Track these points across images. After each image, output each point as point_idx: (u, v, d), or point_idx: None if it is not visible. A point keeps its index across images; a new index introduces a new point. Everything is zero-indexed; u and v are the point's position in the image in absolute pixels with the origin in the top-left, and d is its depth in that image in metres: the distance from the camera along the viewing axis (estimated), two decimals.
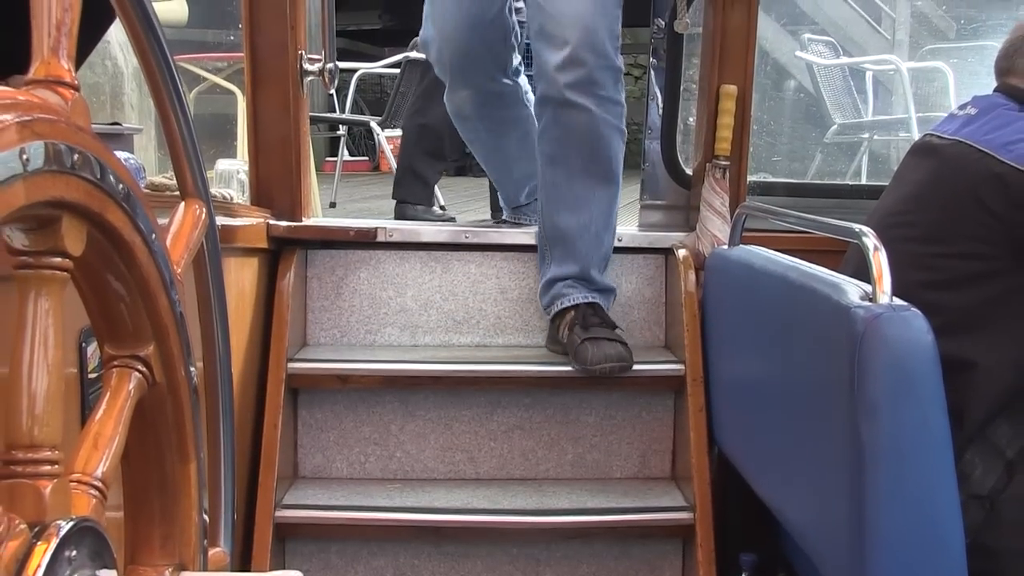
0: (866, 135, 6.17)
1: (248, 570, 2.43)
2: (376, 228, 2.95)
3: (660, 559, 2.68)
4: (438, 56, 3.01)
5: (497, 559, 2.67)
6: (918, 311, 1.66)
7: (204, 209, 1.26)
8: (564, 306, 2.78)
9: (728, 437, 2.55)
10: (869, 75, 6.55)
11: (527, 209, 3.29)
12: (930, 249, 2.11)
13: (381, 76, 7.24)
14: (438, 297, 2.96)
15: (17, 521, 0.77)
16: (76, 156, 0.82)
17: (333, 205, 6.40)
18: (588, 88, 2.68)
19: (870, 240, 1.74)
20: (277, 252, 2.82)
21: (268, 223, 2.78)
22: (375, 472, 2.80)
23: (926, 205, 2.18)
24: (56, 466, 0.83)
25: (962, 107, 2.30)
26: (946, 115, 2.37)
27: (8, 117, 0.72)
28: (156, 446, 1.07)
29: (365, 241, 2.94)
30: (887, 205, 2.30)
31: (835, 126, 6.21)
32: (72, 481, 0.88)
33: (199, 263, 1.28)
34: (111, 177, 0.90)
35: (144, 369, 1.01)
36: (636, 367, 2.66)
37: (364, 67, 6.96)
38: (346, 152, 6.88)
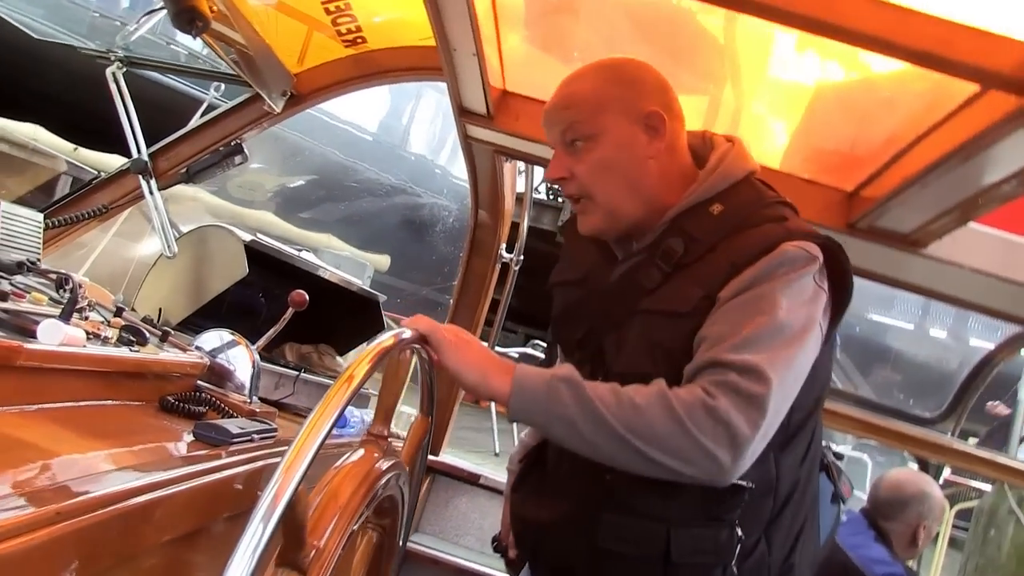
0: None
1: None
2: (480, 475, 3.18)
3: None
4: None
5: None
6: None
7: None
8: None
9: None
10: None
11: None
12: None
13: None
14: None
15: None
16: (397, 473, 1.34)
17: None
18: None
19: None
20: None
21: None
22: None
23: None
24: None
25: (846, 515, 2.69)
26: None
27: (383, 465, 1.24)
28: None
29: (471, 480, 3.20)
30: None
31: None
32: None
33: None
34: (403, 473, 1.40)
35: None
36: None
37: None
38: None
